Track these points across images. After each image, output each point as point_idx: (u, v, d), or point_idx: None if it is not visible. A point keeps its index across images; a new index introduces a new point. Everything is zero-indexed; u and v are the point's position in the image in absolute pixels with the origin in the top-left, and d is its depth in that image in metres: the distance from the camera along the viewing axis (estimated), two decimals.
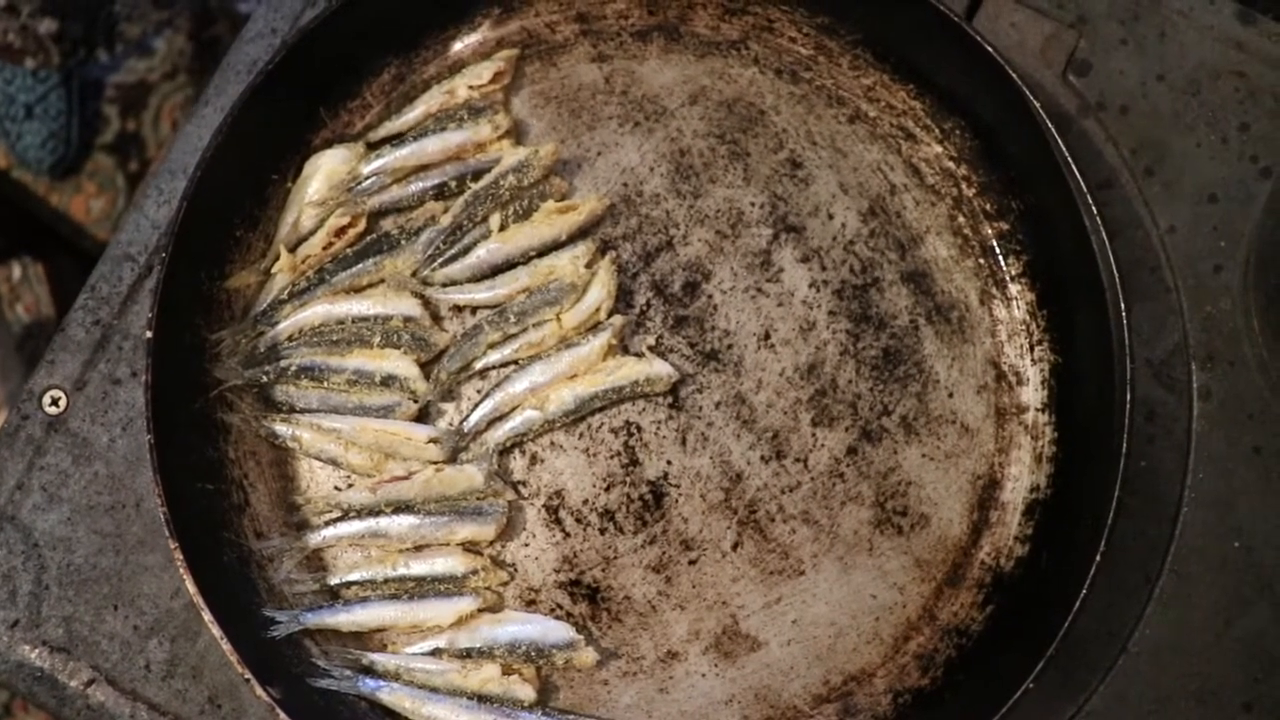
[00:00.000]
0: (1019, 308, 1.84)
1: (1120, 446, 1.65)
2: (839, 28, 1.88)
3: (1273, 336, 1.81)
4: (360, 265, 1.81)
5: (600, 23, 1.91)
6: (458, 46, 1.91)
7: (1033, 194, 1.82)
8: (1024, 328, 1.83)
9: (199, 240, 1.73)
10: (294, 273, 1.82)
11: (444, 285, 1.83)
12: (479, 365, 1.81)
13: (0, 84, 3.41)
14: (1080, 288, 1.75)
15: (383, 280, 1.82)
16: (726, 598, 1.75)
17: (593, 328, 1.80)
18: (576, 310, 1.80)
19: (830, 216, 1.85)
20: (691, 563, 1.76)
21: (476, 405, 1.79)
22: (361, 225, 1.84)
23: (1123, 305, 1.68)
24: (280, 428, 1.77)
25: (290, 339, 1.80)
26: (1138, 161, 1.87)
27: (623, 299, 1.83)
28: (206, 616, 1.59)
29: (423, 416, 1.80)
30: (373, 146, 1.87)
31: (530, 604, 1.76)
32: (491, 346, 1.80)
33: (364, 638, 1.74)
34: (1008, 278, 1.85)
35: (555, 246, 1.83)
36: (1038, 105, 1.72)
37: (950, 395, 1.81)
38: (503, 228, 1.82)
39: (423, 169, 1.85)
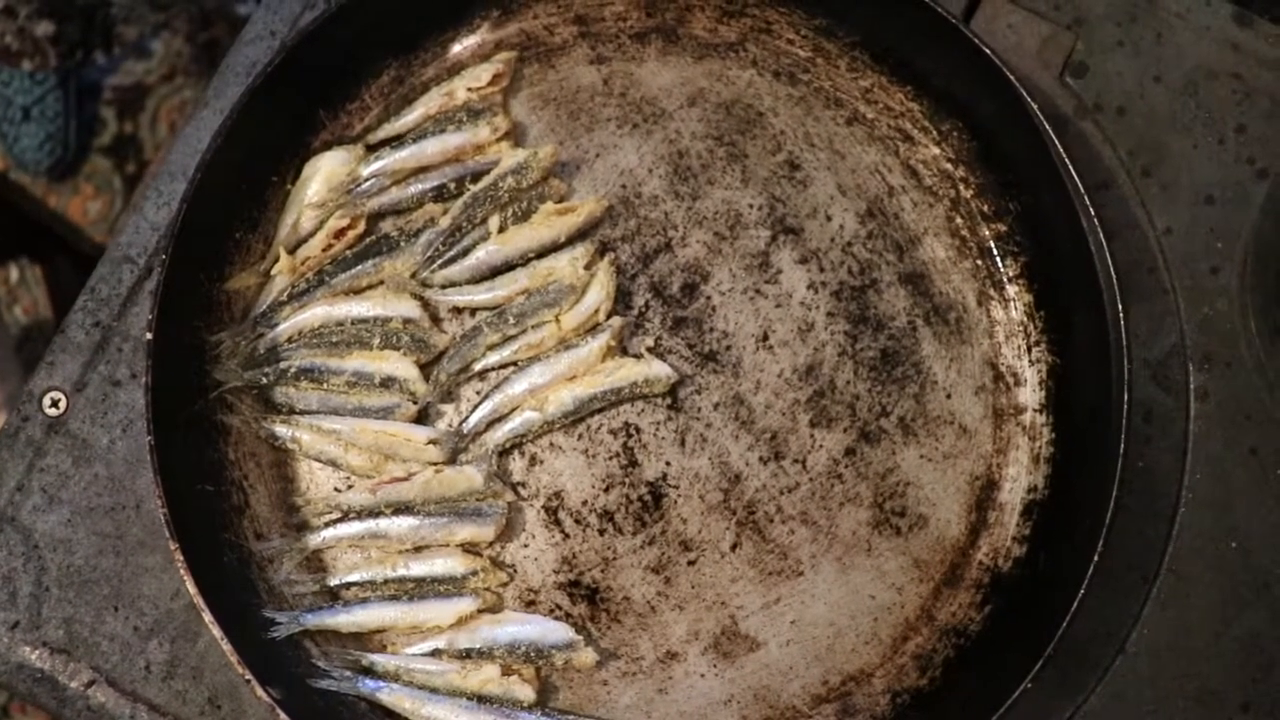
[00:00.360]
0: (1017, 309, 1.84)
1: (1118, 447, 1.66)
2: (837, 30, 1.89)
3: (1270, 338, 1.81)
4: (360, 267, 1.82)
5: (598, 25, 1.92)
6: (456, 49, 1.92)
7: (1030, 195, 1.83)
8: (1022, 329, 1.84)
9: (199, 242, 1.74)
10: (293, 274, 1.82)
11: (443, 287, 1.83)
12: (478, 367, 1.81)
13: None
14: (1078, 289, 1.75)
15: (382, 282, 1.83)
16: (725, 598, 1.76)
17: (592, 329, 1.81)
18: (575, 312, 1.80)
19: (828, 218, 1.86)
20: (690, 563, 1.77)
21: (476, 407, 1.79)
22: (361, 227, 1.84)
23: (1120, 306, 1.69)
24: (280, 429, 1.77)
25: (290, 340, 1.80)
26: (1135, 163, 1.87)
27: (621, 300, 1.83)
28: (207, 617, 1.59)
29: (422, 418, 1.81)
30: (372, 149, 1.87)
31: (530, 605, 1.76)
32: (491, 348, 1.80)
33: (364, 638, 1.74)
34: (1005, 279, 1.85)
35: (554, 248, 1.84)
36: (1035, 107, 1.73)
37: (948, 396, 1.82)
38: (502, 229, 1.83)
39: (422, 171, 1.86)
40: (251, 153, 1.80)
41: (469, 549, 1.76)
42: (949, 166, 1.88)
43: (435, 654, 1.72)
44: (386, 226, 1.86)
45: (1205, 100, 1.89)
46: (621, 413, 1.80)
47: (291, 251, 1.82)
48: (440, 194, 1.85)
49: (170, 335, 1.69)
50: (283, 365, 1.79)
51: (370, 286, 1.83)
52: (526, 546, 1.78)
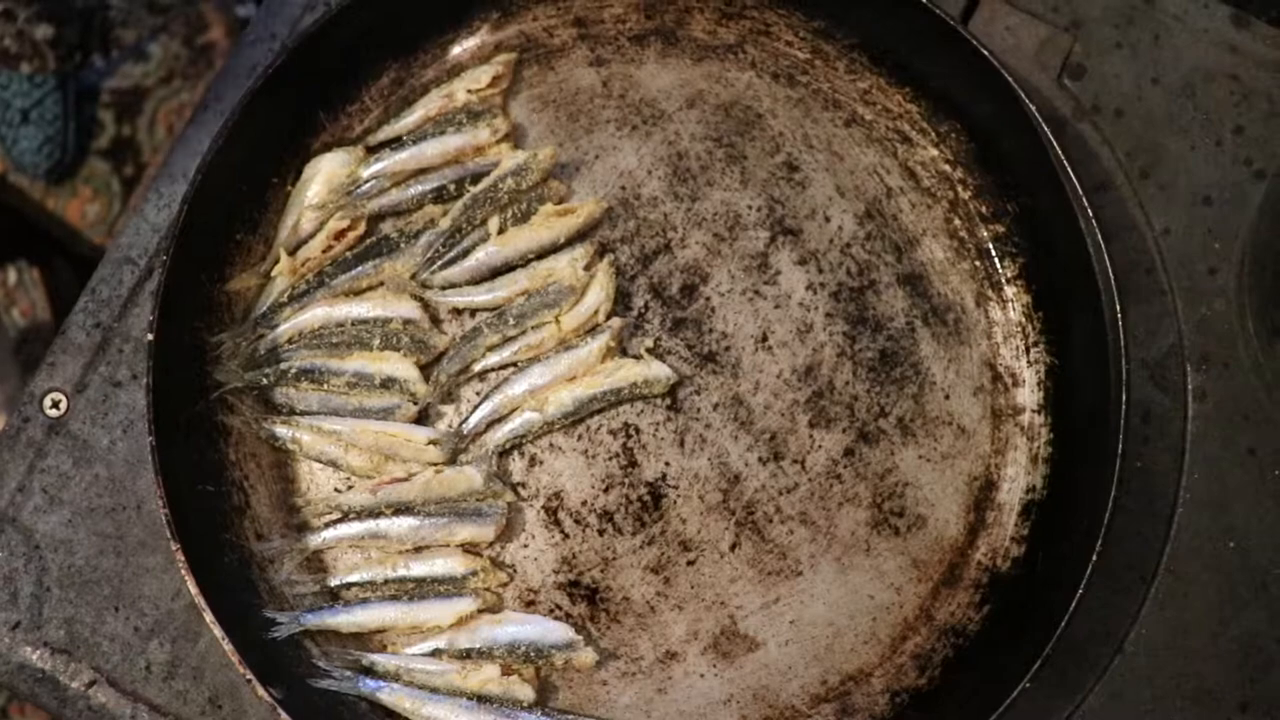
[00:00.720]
0: (1015, 310, 1.85)
1: (1116, 447, 1.66)
2: (835, 31, 1.89)
3: (1267, 338, 1.82)
4: (360, 268, 1.82)
5: (598, 27, 1.92)
6: (456, 51, 1.92)
7: (1028, 197, 1.83)
8: (1020, 329, 1.84)
9: (199, 243, 1.74)
10: (294, 276, 1.82)
11: (443, 288, 1.83)
12: (478, 367, 1.81)
13: None
14: (1076, 290, 1.76)
15: (382, 283, 1.83)
16: (725, 598, 1.76)
17: (591, 330, 1.81)
18: (575, 313, 1.80)
19: (827, 219, 1.86)
20: (690, 563, 1.77)
21: (476, 407, 1.80)
22: (361, 228, 1.84)
23: (1118, 307, 1.69)
24: (281, 430, 1.78)
25: (290, 341, 1.81)
26: (1133, 164, 1.88)
27: (621, 301, 1.84)
28: (208, 617, 1.59)
29: (422, 418, 1.81)
30: (372, 150, 1.87)
31: (529, 605, 1.76)
32: (490, 349, 1.81)
33: (364, 638, 1.74)
34: (1004, 280, 1.86)
35: (554, 249, 1.84)
36: (1033, 108, 1.73)
37: (947, 397, 1.82)
38: (501, 231, 1.83)
39: (422, 172, 1.86)
40: (252, 154, 1.80)
41: (469, 549, 1.77)
42: (947, 168, 1.88)
43: (435, 654, 1.72)
44: (386, 228, 1.86)
45: (1203, 102, 1.90)
46: (621, 413, 1.81)
47: (292, 253, 1.83)
48: (440, 195, 1.86)
49: (171, 336, 1.70)
50: (283, 366, 1.79)
51: (370, 288, 1.84)
52: (526, 547, 1.78)
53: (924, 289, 1.85)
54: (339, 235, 1.83)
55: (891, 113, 1.90)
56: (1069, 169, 1.73)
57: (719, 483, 1.79)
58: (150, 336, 1.66)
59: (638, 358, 1.80)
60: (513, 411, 1.79)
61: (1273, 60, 1.90)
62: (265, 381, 1.79)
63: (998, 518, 1.80)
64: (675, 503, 1.78)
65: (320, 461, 1.79)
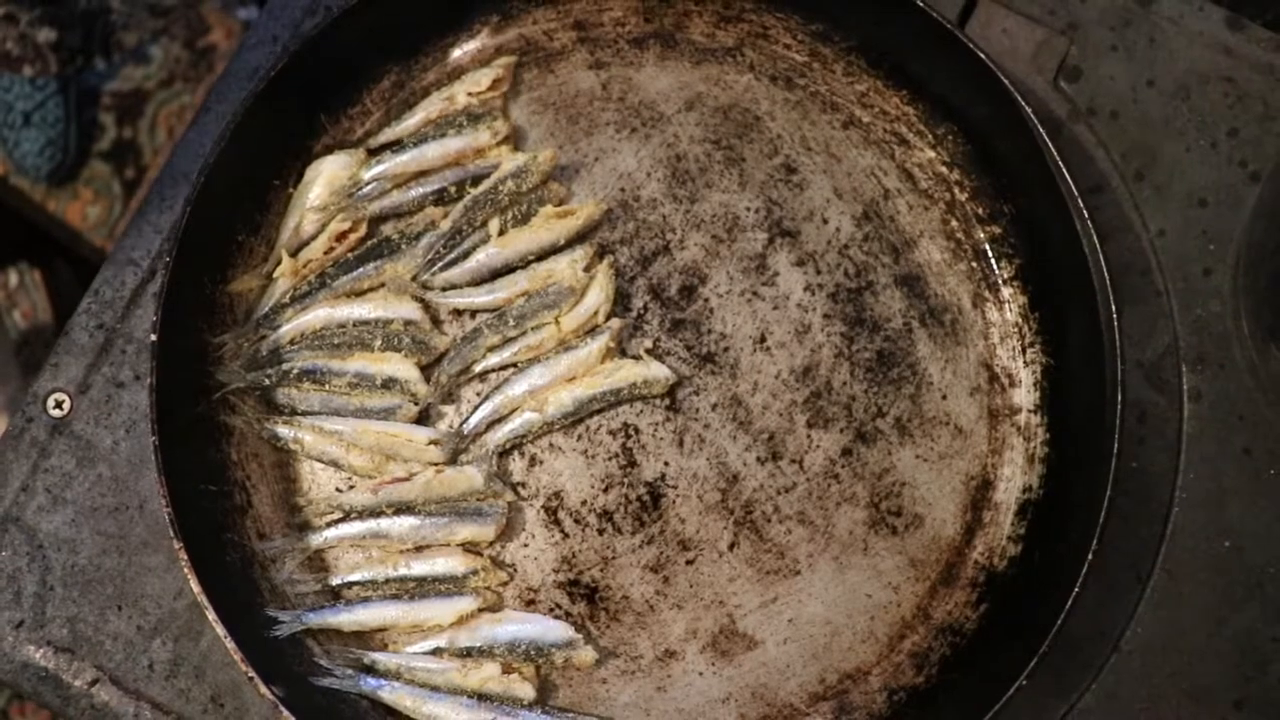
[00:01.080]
0: (1011, 311, 1.86)
1: (1111, 447, 1.67)
2: (833, 34, 1.90)
3: (1262, 339, 1.83)
4: (361, 269, 1.83)
5: (597, 30, 1.93)
6: (457, 54, 1.93)
7: (1024, 198, 1.84)
8: (1016, 330, 1.85)
9: (202, 245, 1.75)
10: (295, 277, 1.83)
11: (444, 289, 1.84)
12: (478, 368, 1.82)
13: None
14: (1072, 291, 1.77)
15: (383, 284, 1.84)
16: (723, 597, 1.77)
17: (591, 331, 1.82)
18: (575, 314, 1.81)
19: (825, 221, 1.87)
20: (689, 563, 1.78)
21: (476, 407, 1.81)
22: (362, 230, 1.85)
23: (1113, 308, 1.70)
24: (282, 430, 1.79)
25: (292, 342, 1.81)
26: (1128, 166, 1.89)
27: (620, 302, 1.85)
28: (210, 616, 1.60)
29: (423, 419, 1.82)
30: (373, 152, 1.88)
31: (530, 604, 1.77)
32: (491, 349, 1.82)
33: (365, 637, 1.75)
34: (1000, 281, 1.87)
35: (554, 251, 1.85)
36: (1029, 110, 1.74)
37: (944, 397, 1.83)
38: (502, 232, 1.84)
39: (422, 174, 1.87)
40: (254, 156, 1.81)
41: (469, 549, 1.78)
42: (944, 170, 1.89)
43: (436, 652, 1.73)
44: (388, 229, 1.87)
45: (1198, 104, 1.91)
46: (620, 413, 1.82)
47: (293, 254, 1.84)
48: (441, 197, 1.87)
49: (173, 337, 1.70)
50: (285, 367, 1.80)
51: (372, 289, 1.85)
52: (526, 546, 1.79)
53: (921, 290, 1.86)
54: (340, 237, 1.84)
55: (889, 115, 1.91)
56: (1065, 171, 1.74)
57: (717, 482, 1.80)
58: (153, 337, 1.67)
59: (637, 358, 1.81)
60: (513, 412, 1.80)
61: (1267, 63, 1.91)
62: (267, 382, 1.80)
63: (994, 517, 1.81)
64: (674, 502, 1.79)
65: (322, 461, 1.80)
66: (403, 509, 1.77)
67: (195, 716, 1.73)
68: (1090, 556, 1.63)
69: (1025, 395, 1.84)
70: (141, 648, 1.74)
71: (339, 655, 1.73)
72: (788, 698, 1.76)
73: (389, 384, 1.80)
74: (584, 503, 1.79)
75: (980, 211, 1.88)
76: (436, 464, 1.79)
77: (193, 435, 1.75)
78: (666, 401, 1.82)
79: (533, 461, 1.81)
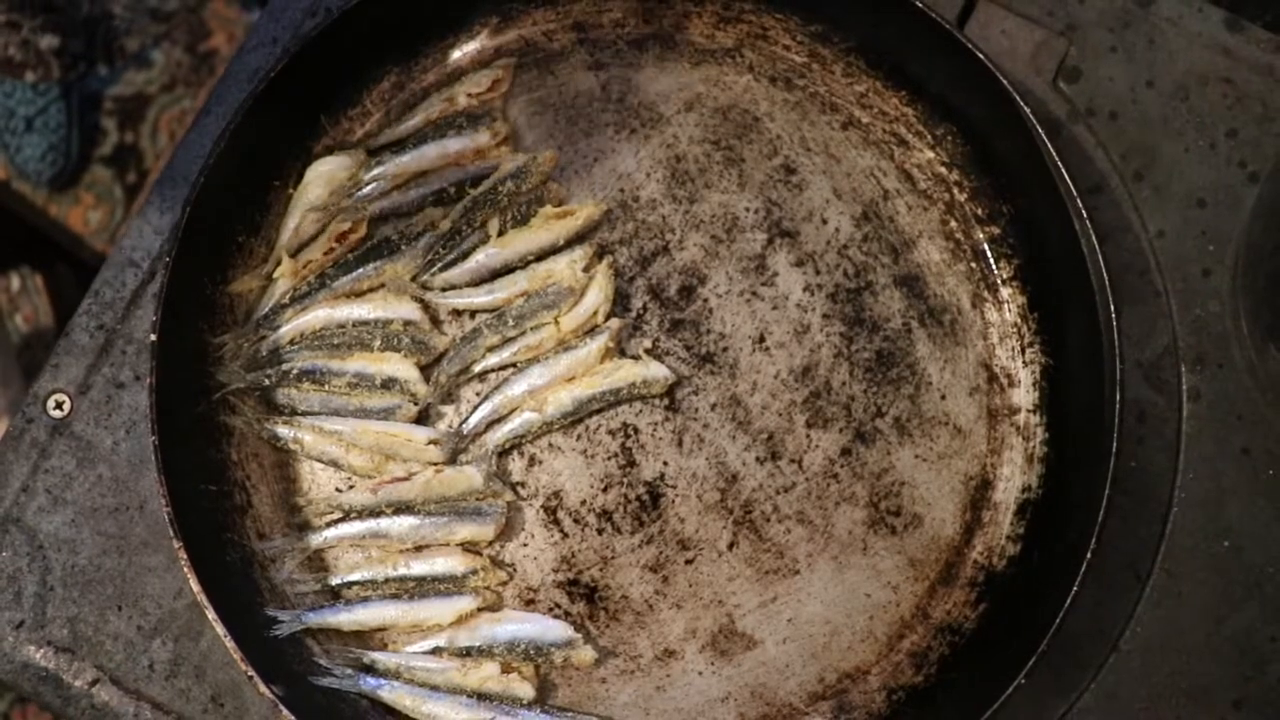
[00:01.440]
0: (1010, 311, 1.86)
1: (1110, 447, 1.67)
2: (832, 35, 1.90)
3: (1261, 339, 1.83)
4: (361, 270, 1.83)
5: (597, 31, 1.94)
6: (456, 55, 1.94)
7: (1024, 199, 1.84)
8: (1015, 330, 1.85)
9: (202, 246, 1.76)
10: (295, 277, 1.84)
11: (443, 289, 1.85)
12: (478, 368, 1.83)
13: (1, 97, 3.43)
14: (1071, 291, 1.77)
15: (383, 285, 1.84)
16: (723, 597, 1.77)
17: (590, 331, 1.82)
18: (574, 314, 1.82)
19: (824, 221, 1.88)
20: (688, 562, 1.78)
21: (476, 407, 1.81)
22: (362, 231, 1.85)
23: (1112, 308, 1.70)
24: (282, 430, 1.79)
25: (292, 343, 1.82)
26: (1127, 166, 1.89)
27: (620, 303, 1.85)
28: (210, 615, 1.60)
29: (423, 419, 1.82)
30: (373, 153, 1.89)
31: (529, 603, 1.78)
32: (490, 350, 1.82)
33: (365, 637, 1.76)
34: (999, 281, 1.87)
35: (553, 251, 1.85)
36: (1028, 111, 1.75)
37: (943, 397, 1.83)
38: (501, 233, 1.84)
39: (422, 175, 1.88)
40: (254, 157, 1.82)
41: (469, 548, 1.78)
42: (943, 170, 1.90)
43: (435, 652, 1.74)
44: (387, 230, 1.87)
45: (1197, 105, 1.91)
46: (620, 413, 1.82)
47: (293, 255, 1.84)
48: (440, 198, 1.87)
49: (173, 338, 1.71)
50: (285, 367, 1.81)
51: (371, 289, 1.85)
52: (526, 546, 1.79)
53: (920, 290, 1.86)
54: (340, 237, 1.84)
55: (888, 115, 1.91)
56: (1064, 171, 1.74)
57: (717, 482, 1.80)
58: (153, 338, 1.67)
59: (636, 358, 1.81)
60: (512, 412, 1.80)
61: (1266, 64, 1.91)
62: (267, 382, 1.81)
63: (993, 517, 1.81)
64: (673, 502, 1.80)
65: (321, 461, 1.80)
66: (402, 509, 1.77)
67: (195, 716, 1.73)
68: (1089, 556, 1.64)
69: (1024, 395, 1.84)
70: (142, 648, 1.74)
71: (339, 655, 1.74)
72: (787, 697, 1.76)
73: (389, 384, 1.80)
74: (583, 502, 1.80)
75: (979, 212, 1.88)
76: (436, 464, 1.79)
77: (193, 435, 1.76)
78: (666, 401, 1.82)
79: (532, 461, 1.81)
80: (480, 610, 1.75)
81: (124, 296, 1.83)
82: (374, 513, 1.77)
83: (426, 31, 1.92)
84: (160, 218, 1.86)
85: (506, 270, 1.85)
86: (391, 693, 1.71)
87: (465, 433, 1.80)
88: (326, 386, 1.81)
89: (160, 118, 3.63)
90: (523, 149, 1.90)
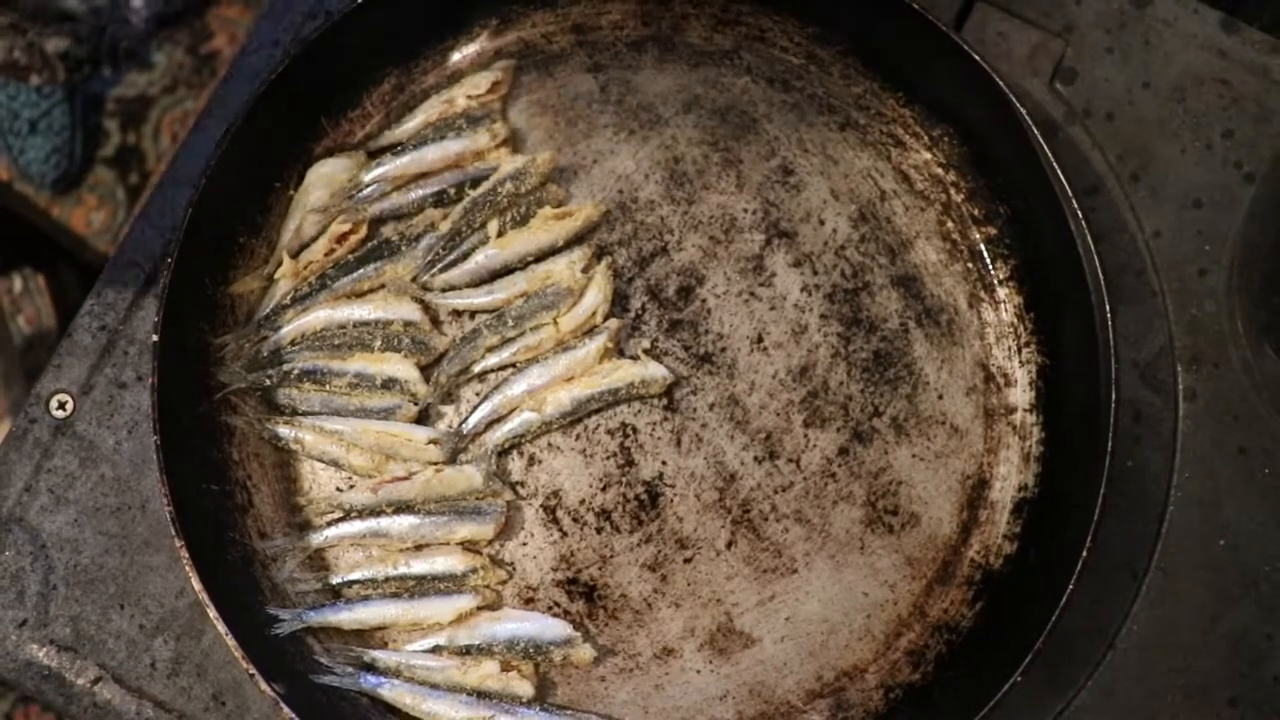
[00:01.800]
0: (1007, 311, 1.87)
1: (1106, 446, 1.68)
2: (830, 37, 1.91)
3: (1256, 339, 1.83)
4: (361, 271, 1.84)
5: (596, 33, 1.94)
6: (456, 57, 1.94)
7: (1020, 199, 1.85)
8: (1012, 330, 1.86)
9: (203, 247, 1.76)
10: (296, 278, 1.84)
11: (443, 290, 1.86)
12: (478, 368, 1.83)
13: (5, 100, 3.44)
14: (1067, 291, 1.78)
15: (383, 285, 1.85)
16: (721, 595, 1.78)
17: (589, 331, 1.83)
18: (573, 314, 1.83)
19: (821, 222, 1.88)
20: (686, 561, 1.79)
21: (475, 407, 1.82)
22: (362, 232, 1.86)
23: (1108, 308, 1.71)
24: (283, 430, 1.80)
25: (293, 343, 1.83)
26: (1123, 167, 1.90)
27: (618, 303, 1.86)
28: (211, 614, 1.61)
29: (423, 418, 1.83)
30: (373, 155, 1.89)
31: (528, 602, 1.78)
32: (490, 350, 1.83)
33: (365, 635, 1.77)
34: (996, 281, 1.88)
35: (552, 252, 1.86)
36: (1024, 112, 1.75)
37: (940, 397, 1.84)
38: (501, 234, 1.85)
39: (422, 177, 1.88)
40: (255, 159, 1.82)
41: (469, 547, 1.79)
42: (940, 171, 1.90)
43: (435, 650, 1.74)
44: (388, 231, 1.88)
45: (1193, 106, 1.92)
46: (618, 413, 1.83)
47: (294, 256, 1.85)
48: (440, 199, 1.88)
49: (175, 338, 1.72)
50: (286, 367, 1.82)
51: (372, 290, 1.86)
52: (525, 545, 1.80)
53: (917, 290, 1.87)
54: (341, 238, 1.85)
55: (885, 117, 1.92)
56: (1060, 172, 1.75)
57: (715, 481, 1.81)
58: (155, 338, 1.68)
59: (635, 358, 1.82)
60: (512, 411, 1.81)
61: (1261, 65, 1.92)
62: (268, 382, 1.82)
63: (990, 516, 1.82)
64: (672, 501, 1.80)
65: (322, 461, 1.81)
66: (402, 508, 1.78)
67: (197, 714, 1.74)
68: (1085, 554, 1.64)
69: (1021, 395, 1.85)
70: (144, 646, 1.75)
71: (339, 653, 1.74)
72: (785, 695, 1.77)
73: (389, 384, 1.81)
74: (582, 501, 1.80)
75: (976, 212, 1.89)
76: (436, 463, 1.80)
77: (194, 435, 1.76)
78: (664, 401, 1.83)
79: (531, 461, 1.82)
80: (480, 609, 1.76)
81: (126, 297, 1.84)
82: (374, 512, 1.78)
83: (426, 34, 1.93)
84: (162, 219, 1.87)
85: (506, 271, 1.86)
86: (392, 691, 1.72)
87: (465, 432, 1.81)
88: (327, 387, 1.82)
89: (162, 119, 3.64)
90: (522, 150, 1.91)
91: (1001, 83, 1.76)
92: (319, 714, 1.67)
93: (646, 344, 1.84)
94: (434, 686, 1.72)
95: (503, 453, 1.82)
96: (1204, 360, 1.85)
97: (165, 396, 1.67)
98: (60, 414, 1.81)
